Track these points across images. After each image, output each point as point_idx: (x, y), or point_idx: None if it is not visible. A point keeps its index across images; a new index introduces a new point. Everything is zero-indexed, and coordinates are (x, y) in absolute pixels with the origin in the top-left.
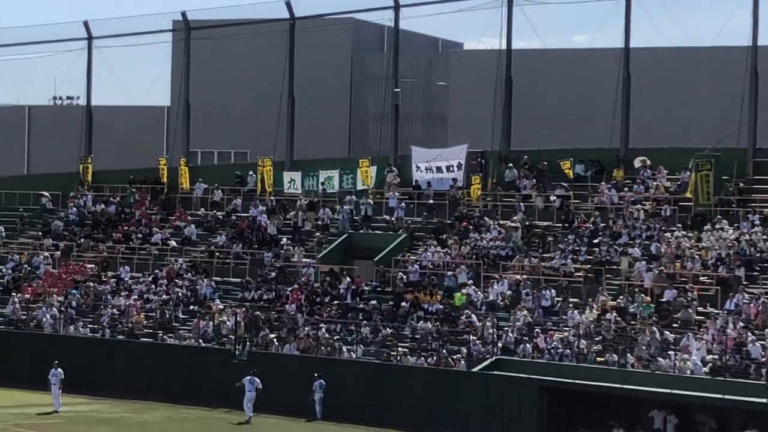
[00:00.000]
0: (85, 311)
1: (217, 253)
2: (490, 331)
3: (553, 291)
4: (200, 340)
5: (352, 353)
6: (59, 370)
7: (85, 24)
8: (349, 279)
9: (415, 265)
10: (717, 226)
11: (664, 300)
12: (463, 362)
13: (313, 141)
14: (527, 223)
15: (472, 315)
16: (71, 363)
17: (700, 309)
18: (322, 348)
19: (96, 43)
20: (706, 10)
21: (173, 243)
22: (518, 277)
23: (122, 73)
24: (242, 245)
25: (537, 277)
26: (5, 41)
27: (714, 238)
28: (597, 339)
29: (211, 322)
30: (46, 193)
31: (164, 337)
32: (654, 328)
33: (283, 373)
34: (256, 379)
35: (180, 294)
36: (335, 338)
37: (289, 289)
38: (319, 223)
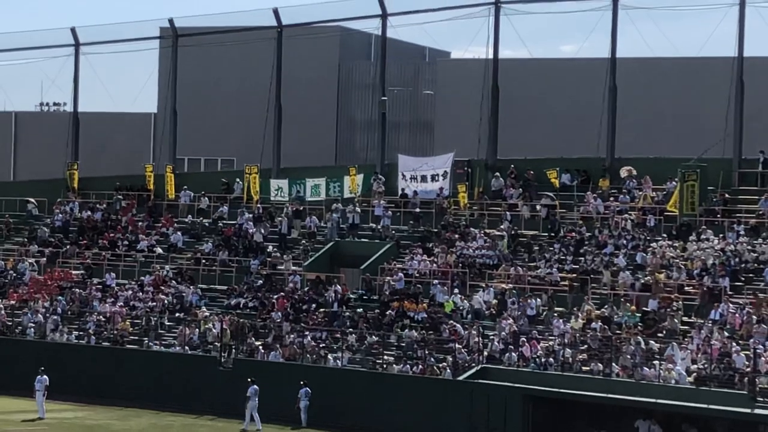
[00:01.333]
0: (70, 317)
1: (204, 260)
2: (476, 339)
3: (538, 300)
4: (186, 347)
5: (337, 361)
6: (44, 376)
7: (73, 30)
8: (336, 287)
9: (400, 273)
10: (702, 236)
11: (649, 309)
12: (448, 370)
13: (300, 149)
14: (513, 232)
15: (456, 324)
16: (56, 369)
17: (685, 319)
18: (308, 355)
19: (83, 50)
20: (693, 20)
21: (159, 250)
22: (504, 285)
23: (109, 80)
24: (228, 252)
25: (523, 285)
26: None
27: (699, 248)
28: (582, 348)
29: (196, 330)
30: (32, 200)
31: (150, 343)
32: (639, 337)
33: (269, 380)
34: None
35: (166, 301)
36: (321, 346)
37: (275, 296)
38: (306, 231)
